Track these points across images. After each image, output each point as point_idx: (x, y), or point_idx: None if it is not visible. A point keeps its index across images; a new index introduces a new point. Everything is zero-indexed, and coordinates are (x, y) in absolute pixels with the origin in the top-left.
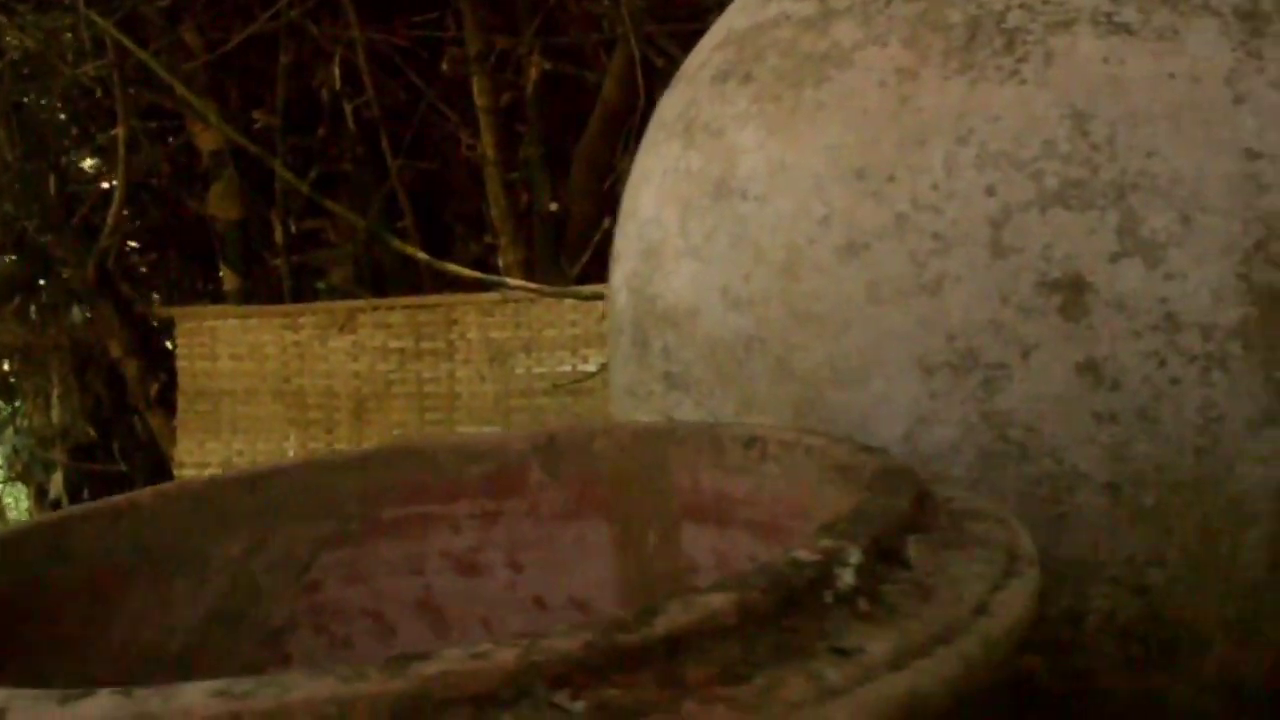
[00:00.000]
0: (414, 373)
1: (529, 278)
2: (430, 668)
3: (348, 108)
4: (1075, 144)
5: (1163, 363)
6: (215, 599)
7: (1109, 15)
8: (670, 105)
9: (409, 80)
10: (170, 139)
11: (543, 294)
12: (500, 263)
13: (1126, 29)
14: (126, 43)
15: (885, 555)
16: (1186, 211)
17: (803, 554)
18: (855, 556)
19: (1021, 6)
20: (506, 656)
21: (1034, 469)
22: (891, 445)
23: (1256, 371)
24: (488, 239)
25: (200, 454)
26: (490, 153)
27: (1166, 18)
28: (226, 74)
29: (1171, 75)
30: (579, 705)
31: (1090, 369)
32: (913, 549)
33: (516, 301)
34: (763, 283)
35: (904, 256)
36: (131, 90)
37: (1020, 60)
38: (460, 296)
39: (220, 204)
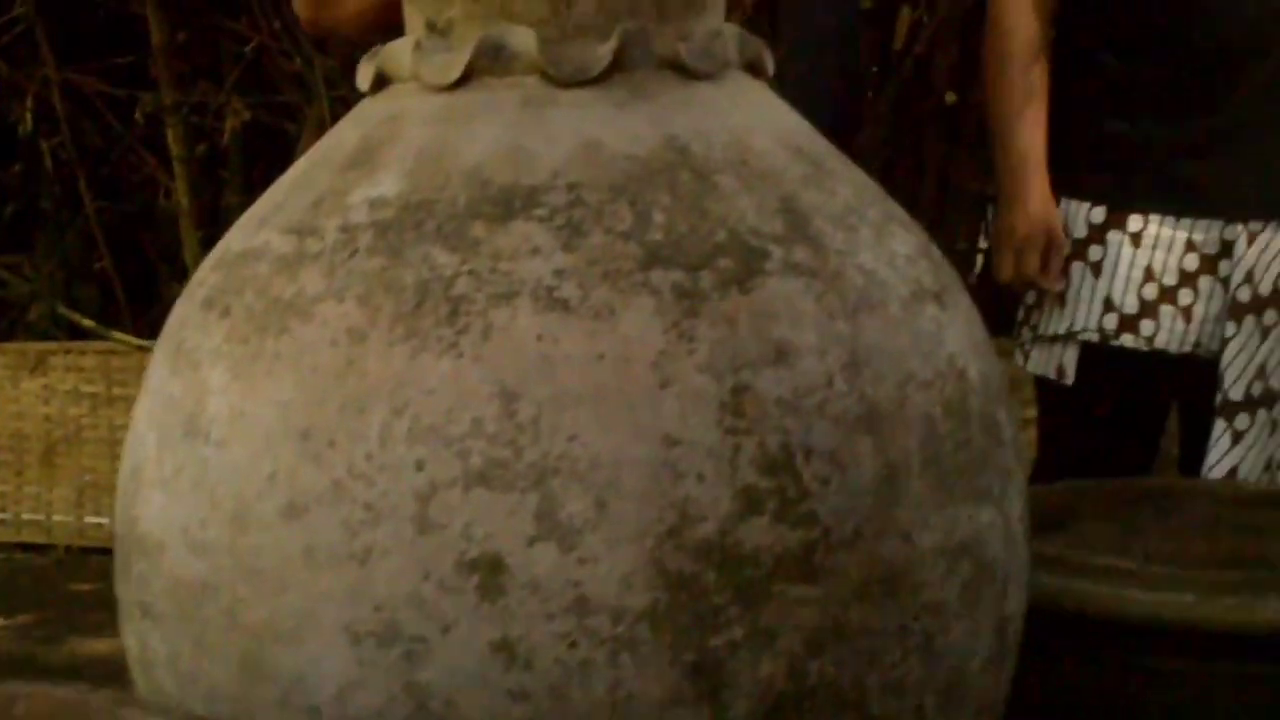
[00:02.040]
0: (106, 419)
1: None
2: None
3: (45, 146)
4: (502, 424)
5: (574, 644)
6: None
7: (550, 290)
8: (174, 316)
9: (108, 122)
10: None
11: None
12: None
13: (565, 305)
14: None
15: None
16: (603, 497)
17: None
18: None
19: (470, 274)
20: None
21: None
22: (325, 707)
23: (665, 654)
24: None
25: None
26: (184, 201)
27: (605, 295)
28: None
29: (601, 356)
30: None
31: (505, 648)
32: None
33: None
34: (217, 531)
35: (338, 523)
36: None
37: (460, 332)
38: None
39: None
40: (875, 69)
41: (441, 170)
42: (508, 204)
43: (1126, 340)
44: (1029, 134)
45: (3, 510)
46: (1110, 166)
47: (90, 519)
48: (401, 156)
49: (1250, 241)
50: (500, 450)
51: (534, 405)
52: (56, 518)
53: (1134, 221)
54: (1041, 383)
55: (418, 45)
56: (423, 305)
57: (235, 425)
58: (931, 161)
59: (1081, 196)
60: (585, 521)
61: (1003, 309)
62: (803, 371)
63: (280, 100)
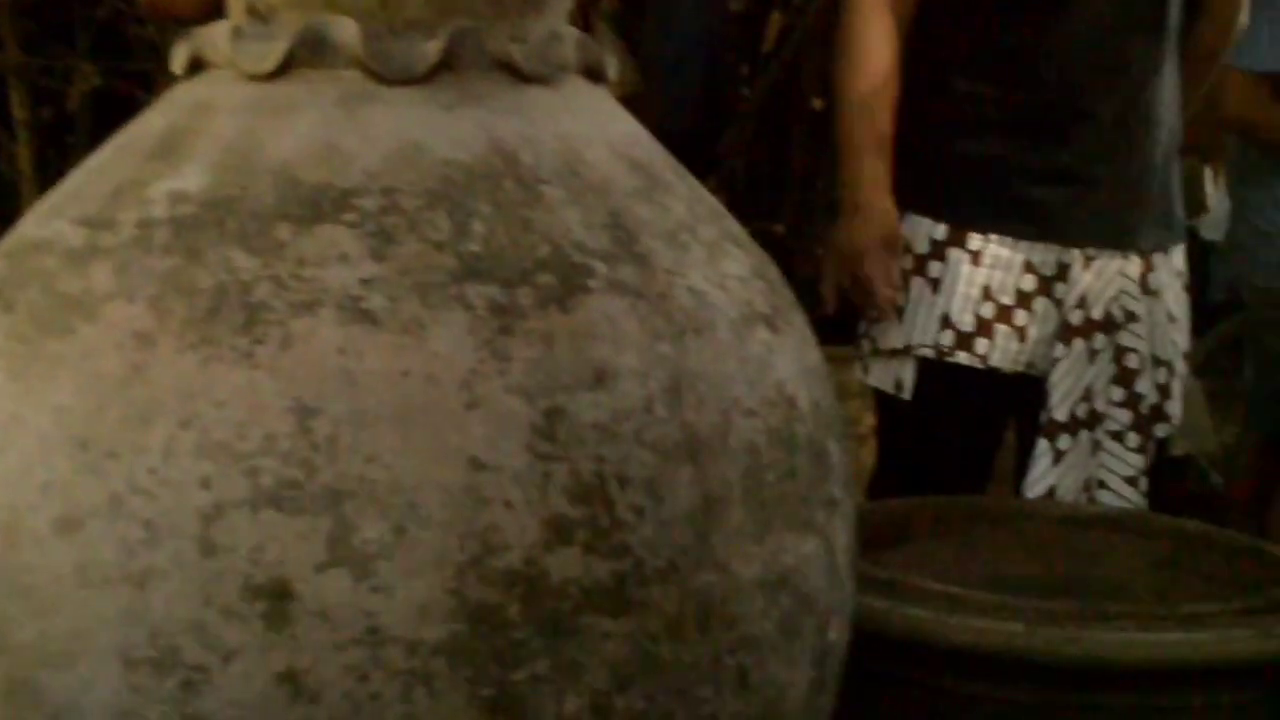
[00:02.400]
0: None
1: None
2: None
3: None
4: (296, 441)
5: (364, 677)
6: None
7: (356, 301)
8: None
9: None
10: None
11: None
12: None
13: (370, 318)
14: None
15: None
16: (401, 522)
17: None
18: None
19: (271, 280)
20: None
21: None
22: None
23: (462, 688)
24: None
25: None
26: (26, 168)
27: (414, 308)
28: None
29: (406, 373)
30: None
31: (290, 679)
32: None
33: None
34: None
35: (115, 541)
36: None
37: (257, 341)
38: None
39: None
40: (744, 71)
41: (249, 166)
42: (316, 206)
43: (961, 357)
44: (875, 150)
45: None
46: (955, 185)
47: None
48: (208, 149)
49: (1086, 265)
50: (293, 470)
51: (331, 423)
52: None
53: (974, 240)
54: (881, 396)
55: (236, 30)
56: (218, 311)
57: (9, 431)
58: (796, 166)
59: (925, 212)
60: (381, 548)
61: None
62: (621, 395)
63: (133, 68)
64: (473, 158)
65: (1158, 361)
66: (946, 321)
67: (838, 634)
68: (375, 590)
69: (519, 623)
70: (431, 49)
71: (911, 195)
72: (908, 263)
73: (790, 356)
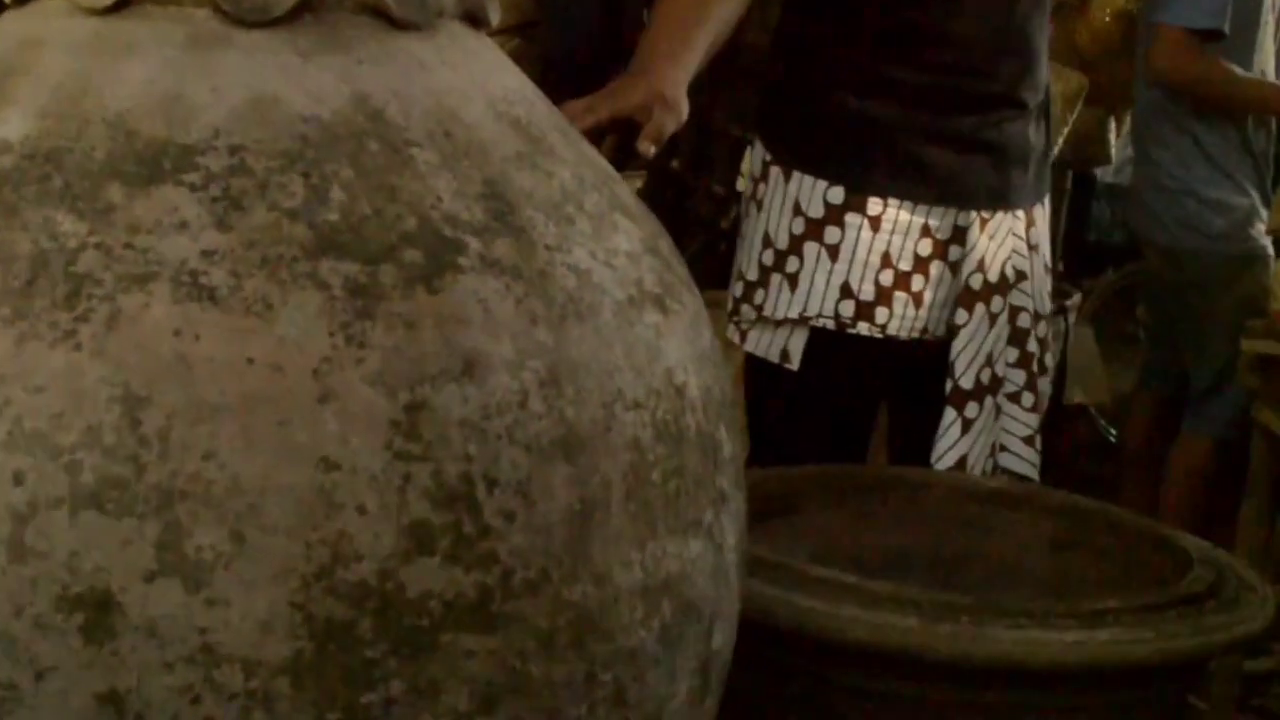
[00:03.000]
0: None
1: None
2: None
3: None
4: (123, 435)
5: (197, 699)
6: None
7: (195, 275)
8: None
9: None
10: None
11: None
12: None
13: (211, 295)
14: None
15: None
16: (241, 528)
17: None
18: None
19: (98, 248)
20: None
21: None
22: None
23: (307, 711)
24: None
25: None
26: None
27: (261, 286)
28: None
29: (250, 360)
30: None
31: (112, 700)
32: None
33: None
34: None
35: None
36: None
37: (80, 318)
38: None
39: None
40: (643, 5)
41: (79, 113)
42: (155, 164)
43: (862, 328)
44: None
45: None
46: (850, 145)
47: None
48: (34, 92)
49: (983, 228)
50: (119, 467)
51: (163, 415)
52: None
53: (873, 205)
54: (756, 362)
55: None
56: (37, 281)
57: None
58: (690, 103)
59: (819, 173)
60: (217, 556)
61: None
62: (493, 389)
63: None
64: (333, 114)
65: (1037, 316)
66: (846, 290)
67: (723, 639)
68: (210, 603)
69: (371, 640)
70: None
71: (804, 155)
72: (798, 226)
73: (681, 339)
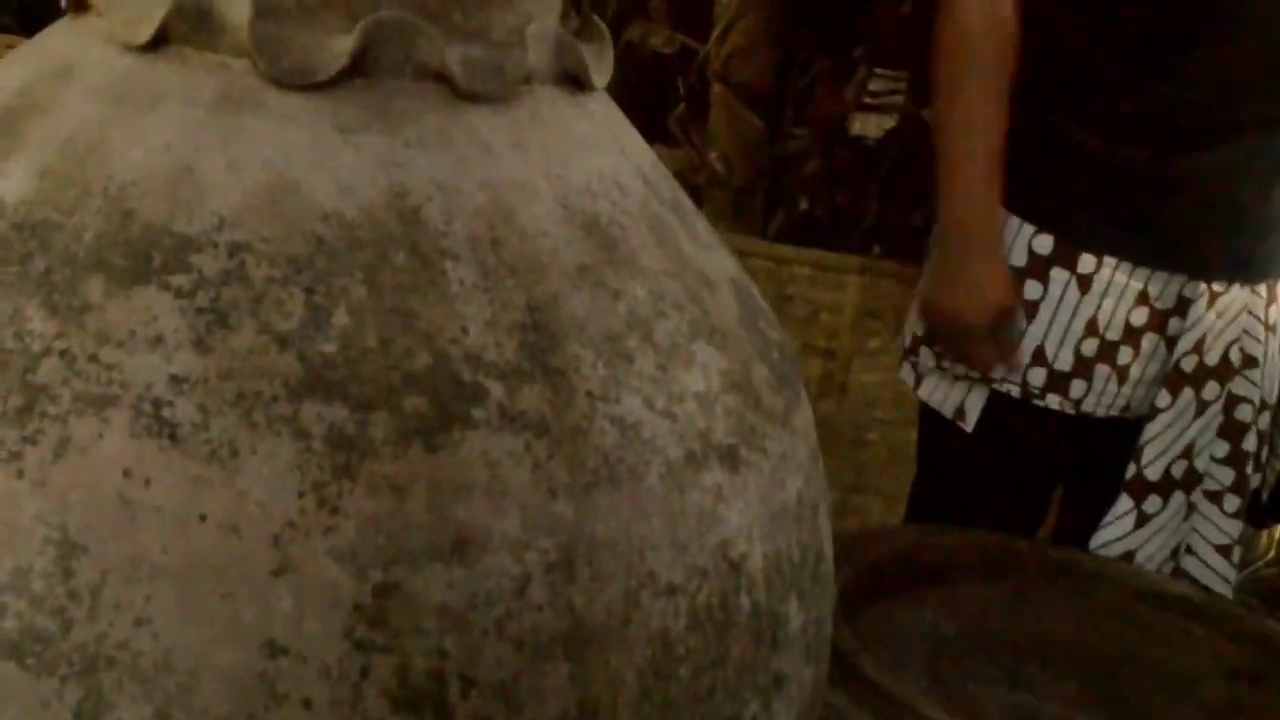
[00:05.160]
0: None
1: None
2: None
3: None
4: (53, 583)
5: None
6: None
7: (159, 406)
8: None
9: None
10: None
11: None
12: None
13: (173, 433)
14: None
15: None
16: (168, 710)
17: None
18: None
19: (63, 356)
20: None
21: None
22: None
23: None
24: None
25: None
26: None
27: (230, 427)
28: None
29: (203, 517)
30: None
31: None
32: None
33: None
34: None
35: None
36: None
37: (28, 440)
38: None
39: None
40: None
41: (81, 179)
42: (144, 258)
43: (1052, 401)
44: (988, 179)
45: None
46: (1069, 189)
47: None
48: (45, 141)
49: (1211, 303)
50: (44, 619)
51: (98, 568)
52: None
53: (1085, 262)
54: (931, 411)
55: None
56: None
57: None
58: None
59: (1028, 217)
60: None
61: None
62: (486, 572)
63: None
64: (359, 211)
65: (1264, 405)
66: (1039, 356)
67: None
68: None
69: None
70: (342, 46)
71: (1013, 194)
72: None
73: (750, 499)
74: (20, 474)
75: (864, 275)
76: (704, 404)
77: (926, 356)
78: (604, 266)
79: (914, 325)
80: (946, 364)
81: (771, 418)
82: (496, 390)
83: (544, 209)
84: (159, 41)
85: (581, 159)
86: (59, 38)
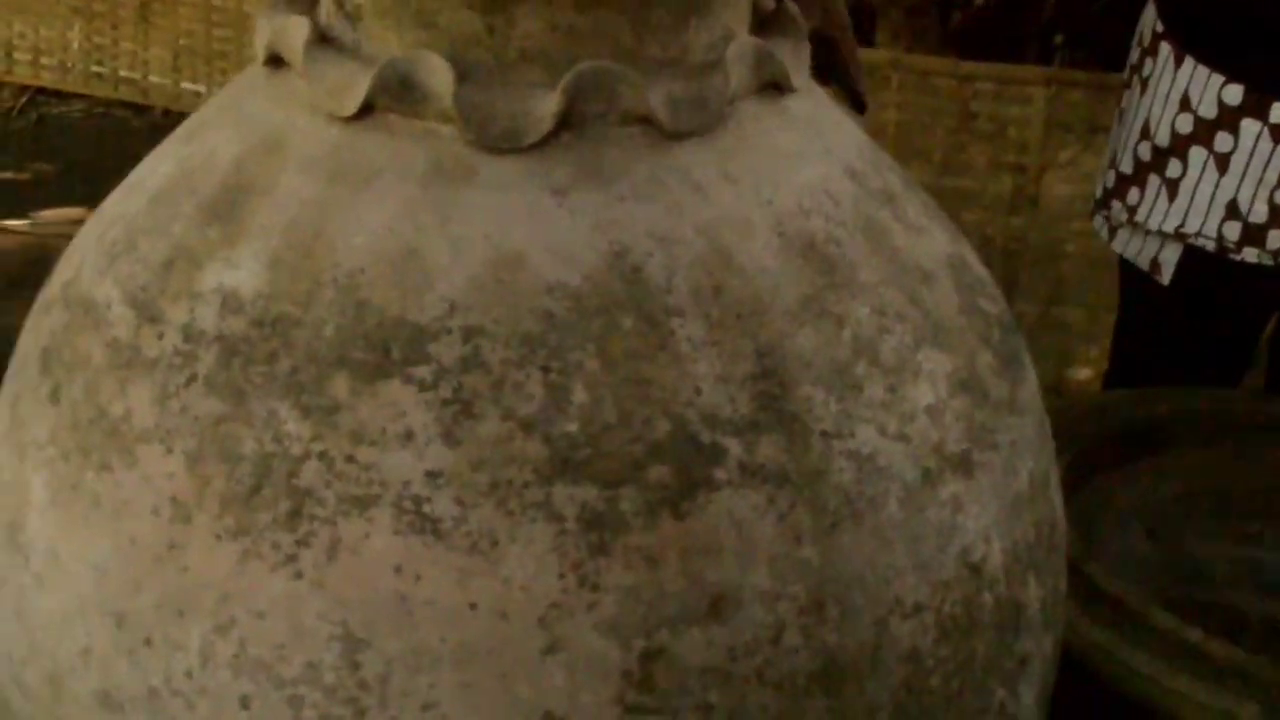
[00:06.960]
0: None
1: None
2: None
3: None
4: (343, 675)
5: None
6: None
7: (419, 503)
8: (26, 334)
9: None
10: None
11: None
12: None
13: (435, 527)
14: None
15: None
16: None
17: None
18: None
19: (321, 458)
20: None
21: None
22: None
23: None
24: None
25: None
26: None
27: (488, 517)
28: None
29: (473, 606)
30: None
31: None
32: None
33: None
34: (36, 680)
35: None
36: None
37: (302, 542)
38: None
39: None
40: None
41: (312, 269)
42: (384, 351)
43: (1249, 254)
44: None
45: (100, 65)
46: (1260, 35)
47: (186, 85)
48: (269, 225)
49: None
50: (339, 708)
51: (383, 659)
52: (153, 79)
53: (1277, 111)
54: (1128, 264)
55: (315, 35)
56: (260, 491)
57: (52, 568)
58: None
59: (1215, 66)
60: None
61: None
62: (742, 626)
63: None
64: (584, 279)
65: None
66: (1234, 210)
67: None
68: None
69: None
70: (546, 107)
71: (1201, 37)
72: (1185, 124)
73: (988, 497)
74: (299, 575)
75: (1050, 87)
76: (934, 416)
77: (1119, 210)
78: (825, 293)
79: (1105, 176)
80: (1139, 217)
81: (999, 407)
82: (735, 447)
83: (760, 243)
84: (365, 110)
85: (790, 176)
86: (262, 102)
